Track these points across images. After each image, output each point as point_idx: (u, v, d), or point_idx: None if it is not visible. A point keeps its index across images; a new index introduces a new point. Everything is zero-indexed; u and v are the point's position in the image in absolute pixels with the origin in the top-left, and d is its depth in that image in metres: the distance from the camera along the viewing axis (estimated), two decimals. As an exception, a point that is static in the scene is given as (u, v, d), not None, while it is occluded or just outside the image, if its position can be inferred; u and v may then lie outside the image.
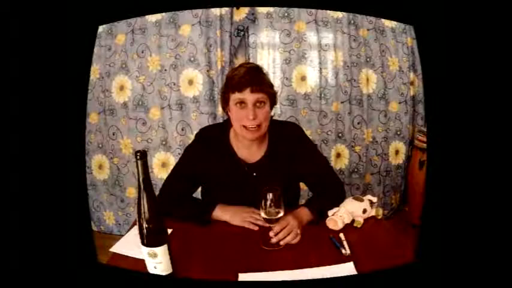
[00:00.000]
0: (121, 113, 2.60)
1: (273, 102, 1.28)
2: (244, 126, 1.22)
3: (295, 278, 0.98)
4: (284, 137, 1.34)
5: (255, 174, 1.32)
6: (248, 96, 1.19)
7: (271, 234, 1.12)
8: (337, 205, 1.27)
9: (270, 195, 1.09)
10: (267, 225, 1.14)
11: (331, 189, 1.35)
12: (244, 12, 2.42)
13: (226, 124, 1.37)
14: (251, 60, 2.47)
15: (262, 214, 1.11)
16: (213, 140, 1.35)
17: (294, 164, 1.34)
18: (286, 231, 1.13)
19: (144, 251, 0.94)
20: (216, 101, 2.54)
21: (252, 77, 1.20)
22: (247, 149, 1.33)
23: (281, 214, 1.10)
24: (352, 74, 2.59)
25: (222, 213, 1.27)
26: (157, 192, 0.94)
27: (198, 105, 2.54)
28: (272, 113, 1.33)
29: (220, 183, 1.35)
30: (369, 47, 2.59)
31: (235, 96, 1.21)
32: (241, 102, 1.20)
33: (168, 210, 1.22)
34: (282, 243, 1.12)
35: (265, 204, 1.10)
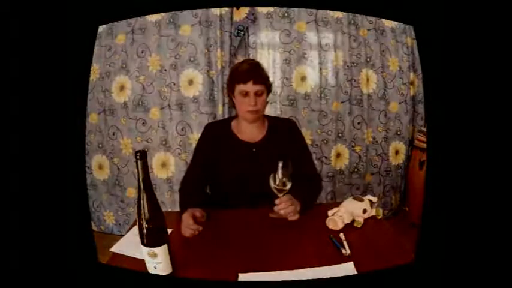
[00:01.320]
0: (121, 113, 2.59)
1: (269, 91, 1.53)
2: (247, 111, 1.47)
3: (295, 278, 0.98)
4: (281, 126, 1.60)
5: (254, 149, 1.52)
6: (250, 88, 1.43)
7: (276, 202, 1.27)
8: (316, 196, 1.49)
9: (280, 164, 1.26)
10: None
11: (312, 180, 1.54)
12: (244, 12, 2.42)
13: (228, 119, 1.65)
14: (251, 61, 2.49)
15: (272, 184, 1.27)
16: (217, 129, 1.59)
17: (286, 150, 1.49)
18: (289, 202, 1.27)
19: (144, 251, 0.94)
20: (216, 101, 2.54)
21: (255, 72, 1.46)
22: (249, 131, 1.54)
23: (289, 186, 1.27)
24: (352, 74, 2.59)
25: (182, 219, 1.26)
26: (157, 192, 0.94)
27: (198, 105, 2.54)
28: (267, 99, 1.54)
29: (226, 162, 1.51)
30: (369, 47, 2.59)
31: (240, 87, 1.45)
32: (245, 93, 1.44)
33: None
34: (282, 212, 1.26)
35: (277, 174, 1.26)
